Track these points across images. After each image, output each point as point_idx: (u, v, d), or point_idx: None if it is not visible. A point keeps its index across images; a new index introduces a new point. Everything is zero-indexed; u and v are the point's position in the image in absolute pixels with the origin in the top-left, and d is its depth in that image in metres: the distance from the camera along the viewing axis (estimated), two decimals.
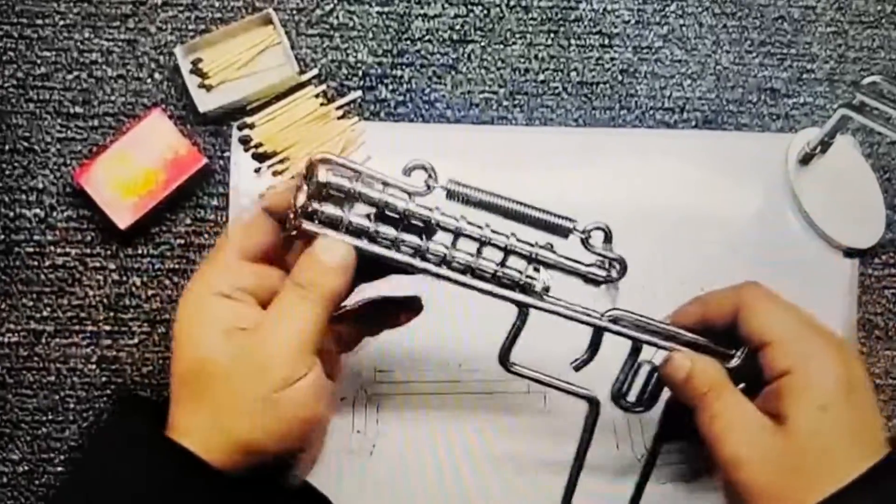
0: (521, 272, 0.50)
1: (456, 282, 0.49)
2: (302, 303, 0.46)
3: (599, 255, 0.50)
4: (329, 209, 0.48)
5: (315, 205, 0.47)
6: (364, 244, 0.48)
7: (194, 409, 0.46)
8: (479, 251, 0.49)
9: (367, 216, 0.48)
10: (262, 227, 0.50)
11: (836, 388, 0.46)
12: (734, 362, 0.52)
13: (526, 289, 0.50)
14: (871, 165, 0.76)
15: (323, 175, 0.47)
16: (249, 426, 0.44)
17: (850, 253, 0.75)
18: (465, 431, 0.70)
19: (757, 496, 0.45)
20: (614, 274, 0.50)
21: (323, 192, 0.48)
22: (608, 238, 0.50)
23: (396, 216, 0.49)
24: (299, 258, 0.47)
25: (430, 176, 0.49)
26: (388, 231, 0.48)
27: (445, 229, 0.49)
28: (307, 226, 0.48)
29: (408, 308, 0.57)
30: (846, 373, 0.47)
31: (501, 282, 0.49)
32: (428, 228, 0.49)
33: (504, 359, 0.51)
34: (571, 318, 0.51)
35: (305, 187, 0.48)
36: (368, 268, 0.49)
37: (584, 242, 0.50)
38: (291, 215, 0.48)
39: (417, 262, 0.48)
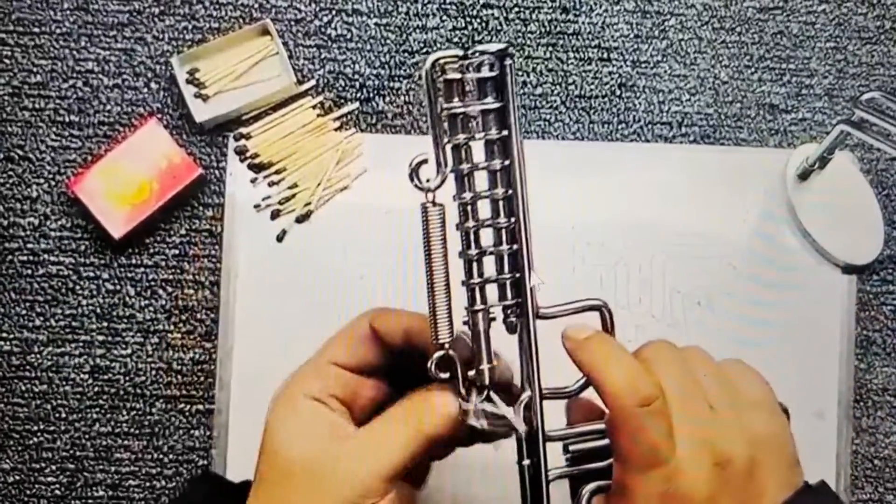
0: None
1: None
2: (401, 436, 0.44)
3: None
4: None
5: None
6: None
7: None
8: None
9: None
10: (367, 346, 0.48)
11: None
12: None
13: None
14: (870, 181, 0.76)
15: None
16: None
17: (848, 269, 0.75)
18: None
19: None
20: None
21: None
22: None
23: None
24: (413, 395, 0.46)
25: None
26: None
27: None
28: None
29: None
30: None
31: None
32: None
33: None
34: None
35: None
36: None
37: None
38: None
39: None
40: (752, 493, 0.42)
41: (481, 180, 0.44)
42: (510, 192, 0.44)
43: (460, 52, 0.42)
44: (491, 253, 0.45)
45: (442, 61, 0.42)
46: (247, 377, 0.70)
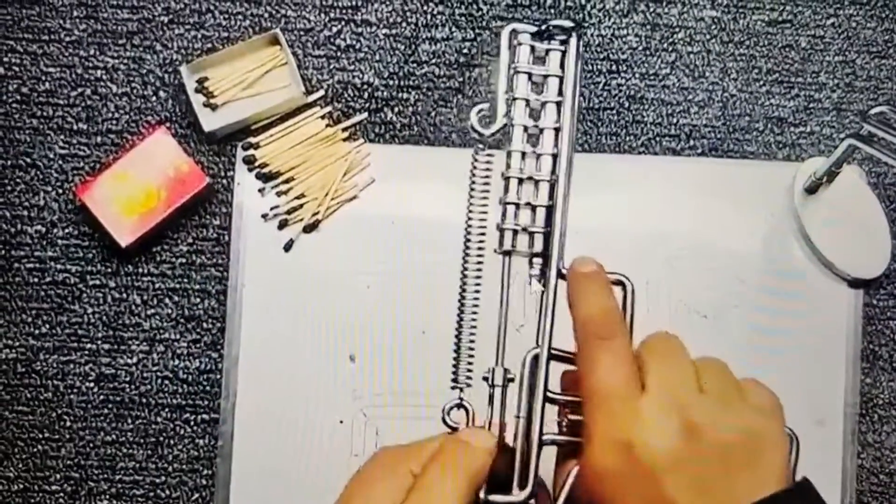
0: None
1: None
2: (450, 485, 0.45)
3: None
4: None
5: None
6: None
7: None
8: None
9: None
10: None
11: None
12: None
13: None
14: (878, 196, 0.76)
15: None
16: None
17: (854, 283, 0.75)
18: None
19: None
20: None
21: None
22: None
23: None
24: (448, 441, 0.47)
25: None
26: None
27: None
28: None
29: None
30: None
31: None
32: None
33: None
34: None
35: None
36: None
37: None
38: None
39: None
40: (719, 479, 0.40)
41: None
42: (556, 151, 0.48)
43: (534, 28, 0.48)
44: (528, 204, 0.48)
45: (519, 30, 0.48)
46: (252, 387, 0.70)
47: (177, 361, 0.72)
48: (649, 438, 0.41)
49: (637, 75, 0.77)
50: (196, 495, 0.71)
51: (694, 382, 0.43)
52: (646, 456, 0.40)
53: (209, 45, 0.75)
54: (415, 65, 0.76)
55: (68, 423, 0.71)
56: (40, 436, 0.71)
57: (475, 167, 0.48)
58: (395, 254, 0.73)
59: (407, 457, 0.47)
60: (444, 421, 0.48)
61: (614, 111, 0.76)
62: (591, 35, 0.77)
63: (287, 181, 0.73)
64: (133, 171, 0.71)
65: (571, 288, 0.47)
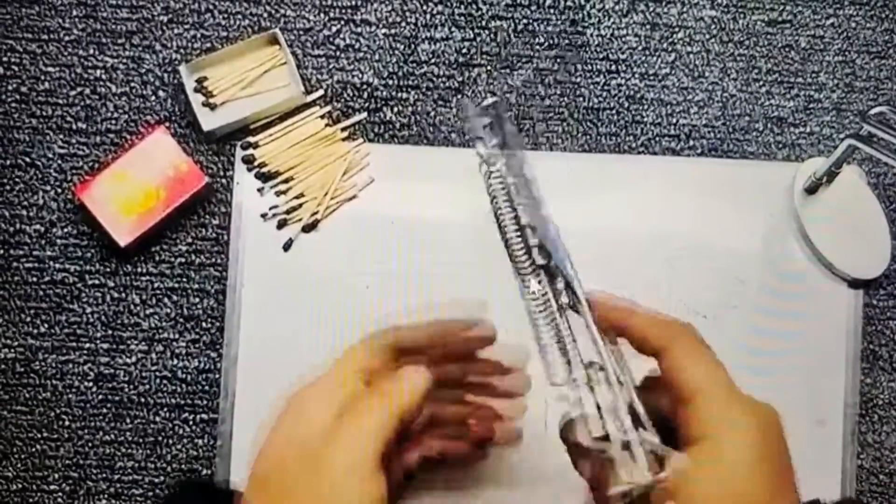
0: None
1: None
2: (375, 423, 0.46)
3: None
4: None
5: None
6: None
7: None
8: None
9: None
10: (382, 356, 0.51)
11: (746, 459, 0.43)
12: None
13: None
14: (877, 196, 0.76)
15: None
16: None
17: (854, 283, 0.75)
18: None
19: None
20: None
21: None
22: None
23: None
24: (384, 379, 0.49)
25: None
26: None
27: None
28: None
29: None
30: (761, 443, 0.44)
31: None
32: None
33: None
34: None
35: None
36: None
37: None
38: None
39: None
40: (787, 468, 0.44)
41: None
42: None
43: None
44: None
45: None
46: (251, 387, 0.70)
47: (176, 361, 0.72)
48: (738, 432, 0.43)
49: (637, 75, 0.77)
50: None
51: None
52: (734, 448, 0.43)
53: (208, 45, 0.75)
54: (414, 64, 0.76)
55: (67, 423, 0.71)
56: (39, 435, 0.70)
57: (491, 183, 0.51)
58: (395, 254, 0.72)
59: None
60: (561, 435, 0.48)
61: (614, 111, 0.76)
62: (591, 35, 0.77)
63: (286, 181, 0.73)
64: (132, 170, 0.71)
65: (618, 315, 0.49)
